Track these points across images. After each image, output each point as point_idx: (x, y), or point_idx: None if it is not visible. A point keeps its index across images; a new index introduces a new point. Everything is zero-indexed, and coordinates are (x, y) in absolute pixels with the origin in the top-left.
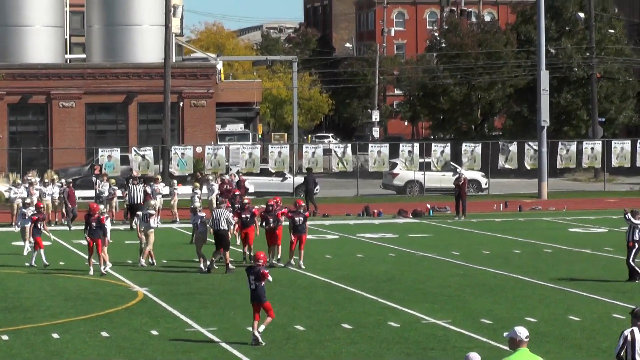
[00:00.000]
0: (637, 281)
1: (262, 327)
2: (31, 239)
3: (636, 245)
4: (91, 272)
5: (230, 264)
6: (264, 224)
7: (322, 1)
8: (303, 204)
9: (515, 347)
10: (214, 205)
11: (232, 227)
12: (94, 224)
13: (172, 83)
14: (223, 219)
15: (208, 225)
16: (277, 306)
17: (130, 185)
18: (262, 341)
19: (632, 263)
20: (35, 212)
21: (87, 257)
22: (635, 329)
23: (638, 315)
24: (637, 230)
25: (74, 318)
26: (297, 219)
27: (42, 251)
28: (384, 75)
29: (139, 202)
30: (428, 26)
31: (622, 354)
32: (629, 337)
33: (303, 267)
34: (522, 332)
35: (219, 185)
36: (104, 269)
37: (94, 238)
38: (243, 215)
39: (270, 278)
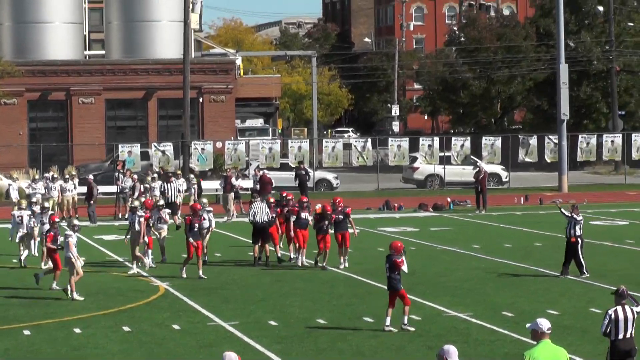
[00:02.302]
0: (565, 276)
1: (405, 319)
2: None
3: (579, 240)
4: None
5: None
6: (315, 228)
7: None
8: (306, 199)
9: (538, 339)
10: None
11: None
12: (197, 225)
13: (191, 79)
14: (265, 212)
15: (250, 219)
16: (299, 300)
17: (166, 184)
18: (392, 329)
19: (580, 259)
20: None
21: (112, 254)
22: (619, 307)
23: (622, 294)
24: (577, 226)
25: (95, 313)
26: (303, 214)
27: (149, 251)
28: (404, 70)
29: (174, 200)
30: (447, 20)
31: (607, 331)
32: (613, 316)
33: (306, 263)
34: (544, 323)
35: (259, 179)
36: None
37: (196, 240)
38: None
39: (404, 268)
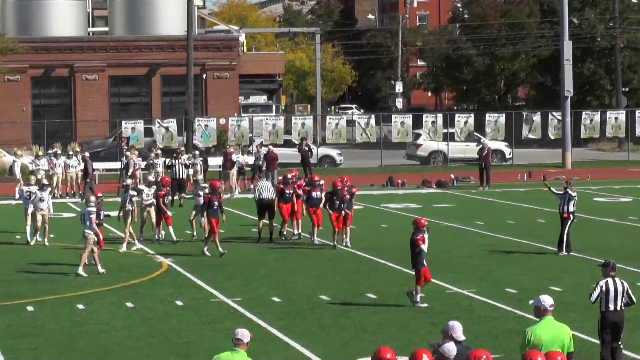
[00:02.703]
0: (568, 253)
1: (418, 297)
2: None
3: (571, 216)
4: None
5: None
6: (327, 207)
7: None
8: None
9: (541, 315)
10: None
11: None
12: (216, 202)
13: (195, 55)
14: (270, 189)
15: (256, 197)
16: (302, 277)
17: (174, 161)
18: (417, 301)
19: (564, 235)
20: (158, 188)
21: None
22: (610, 279)
23: (613, 267)
24: (571, 202)
25: (99, 289)
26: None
27: (157, 229)
28: (407, 47)
29: (182, 176)
30: None
31: (596, 301)
32: (604, 287)
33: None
34: (547, 300)
35: (265, 156)
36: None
37: (215, 218)
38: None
39: (423, 246)
